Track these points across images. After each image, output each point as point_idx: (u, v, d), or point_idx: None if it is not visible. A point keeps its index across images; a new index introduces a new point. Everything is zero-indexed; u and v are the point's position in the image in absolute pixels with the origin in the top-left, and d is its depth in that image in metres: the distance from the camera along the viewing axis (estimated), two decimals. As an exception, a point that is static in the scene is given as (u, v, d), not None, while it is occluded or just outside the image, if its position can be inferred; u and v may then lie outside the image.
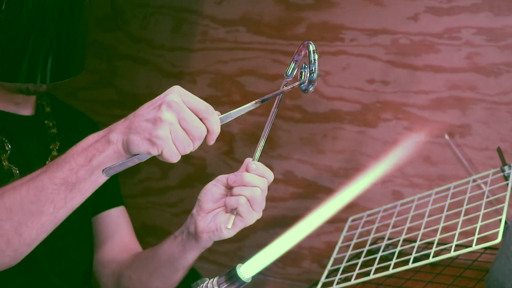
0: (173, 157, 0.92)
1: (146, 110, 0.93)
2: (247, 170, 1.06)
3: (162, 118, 0.90)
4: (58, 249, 1.28)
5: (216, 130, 0.95)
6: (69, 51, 1.20)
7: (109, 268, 1.36)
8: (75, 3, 1.18)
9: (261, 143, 1.06)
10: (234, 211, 1.07)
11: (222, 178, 1.11)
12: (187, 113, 0.92)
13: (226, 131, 1.50)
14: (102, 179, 0.97)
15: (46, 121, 1.33)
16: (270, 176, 1.08)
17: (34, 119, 1.31)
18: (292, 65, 1.09)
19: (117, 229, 1.40)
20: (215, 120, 0.95)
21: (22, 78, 1.15)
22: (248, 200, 1.05)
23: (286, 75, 1.09)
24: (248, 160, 1.07)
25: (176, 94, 0.93)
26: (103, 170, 0.93)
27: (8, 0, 1.11)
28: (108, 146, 0.94)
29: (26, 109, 1.29)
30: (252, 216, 1.07)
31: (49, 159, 1.29)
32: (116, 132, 0.94)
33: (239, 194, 1.05)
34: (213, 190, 1.11)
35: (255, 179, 1.05)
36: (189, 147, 0.93)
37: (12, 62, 1.14)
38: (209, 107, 0.95)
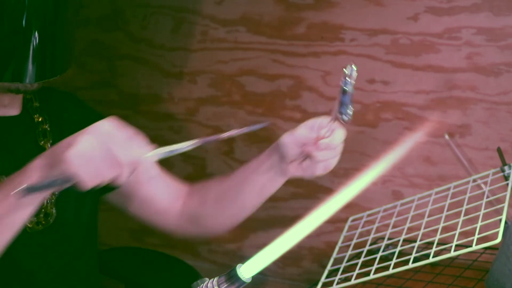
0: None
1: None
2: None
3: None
4: (61, 270, 1.27)
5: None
6: (55, 49, 1.18)
7: (172, 215, 1.38)
8: (58, 1, 1.16)
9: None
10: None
11: (315, 125, 1.17)
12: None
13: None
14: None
15: (35, 117, 1.28)
16: None
17: (22, 117, 1.27)
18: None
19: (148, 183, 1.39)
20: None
21: (8, 77, 1.13)
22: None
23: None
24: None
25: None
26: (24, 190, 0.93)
27: None
28: None
29: (13, 109, 1.25)
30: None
31: None
32: None
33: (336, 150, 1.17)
34: (303, 134, 1.17)
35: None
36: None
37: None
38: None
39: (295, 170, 1.22)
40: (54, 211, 1.23)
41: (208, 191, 1.36)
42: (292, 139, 1.18)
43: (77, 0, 1.22)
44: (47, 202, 1.22)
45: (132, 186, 1.35)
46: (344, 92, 1.07)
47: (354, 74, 1.08)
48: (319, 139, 1.14)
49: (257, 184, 1.28)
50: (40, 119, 1.28)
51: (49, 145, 1.26)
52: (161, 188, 1.40)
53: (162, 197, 1.39)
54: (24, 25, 1.12)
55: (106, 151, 0.93)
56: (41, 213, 1.22)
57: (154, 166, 1.39)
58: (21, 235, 1.10)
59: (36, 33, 1.13)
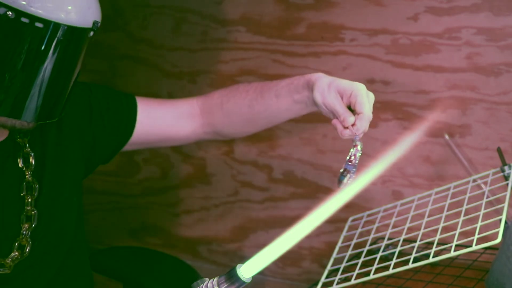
0: None
1: None
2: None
3: None
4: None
5: None
6: (60, 94, 1.16)
7: (188, 134, 1.44)
8: (73, 55, 1.15)
9: None
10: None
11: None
12: None
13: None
14: None
15: (18, 139, 1.24)
16: None
17: (6, 142, 1.23)
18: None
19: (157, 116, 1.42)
20: None
21: (6, 112, 1.11)
22: None
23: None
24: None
25: None
26: None
27: (6, 41, 1.08)
28: None
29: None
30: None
31: (24, 184, 1.22)
32: None
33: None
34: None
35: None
36: None
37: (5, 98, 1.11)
38: None
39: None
40: (29, 241, 1.21)
41: (235, 113, 1.39)
42: (322, 100, 1.24)
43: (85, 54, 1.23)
44: (22, 235, 1.21)
45: (139, 134, 1.39)
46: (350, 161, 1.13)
47: (358, 154, 1.16)
48: (344, 120, 1.19)
49: (289, 112, 1.35)
50: (22, 143, 1.25)
51: (30, 170, 1.24)
52: (168, 120, 1.43)
53: (172, 127, 1.43)
54: (38, 67, 1.11)
55: None
56: (14, 248, 1.20)
57: (149, 104, 1.43)
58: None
59: (48, 76, 1.12)
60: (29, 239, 1.21)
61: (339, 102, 1.20)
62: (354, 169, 1.12)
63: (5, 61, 1.09)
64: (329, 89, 1.21)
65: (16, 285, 1.21)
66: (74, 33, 1.11)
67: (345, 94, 1.20)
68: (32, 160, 1.24)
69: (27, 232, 1.22)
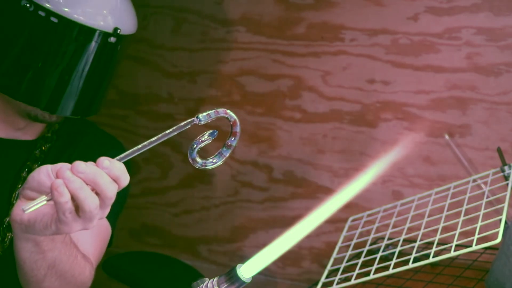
0: None
1: None
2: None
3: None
4: None
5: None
6: (95, 92, 1.21)
7: None
8: (112, 55, 1.21)
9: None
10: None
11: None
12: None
13: (226, 131, 1.50)
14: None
15: (43, 147, 1.28)
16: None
17: (34, 145, 1.27)
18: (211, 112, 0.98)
19: None
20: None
21: (42, 104, 1.17)
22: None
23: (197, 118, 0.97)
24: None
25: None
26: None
27: (49, 34, 1.14)
28: None
29: (27, 135, 1.27)
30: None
31: (19, 186, 1.23)
32: None
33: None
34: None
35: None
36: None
37: (37, 87, 1.15)
38: None
39: None
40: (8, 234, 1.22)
41: None
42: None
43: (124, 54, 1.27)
44: (2, 227, 1.22)
45: None
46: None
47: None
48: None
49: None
50: (44, 148, 1.28)
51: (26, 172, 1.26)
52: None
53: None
54: (74, 66, 1.17)
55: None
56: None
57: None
58: None
59: (81, 72, 1.16)
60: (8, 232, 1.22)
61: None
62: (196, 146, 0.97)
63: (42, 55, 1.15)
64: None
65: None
66: (89, 34, 1.18)
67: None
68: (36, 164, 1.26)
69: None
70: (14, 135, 1.25)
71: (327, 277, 1.36)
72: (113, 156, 0.87)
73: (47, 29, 1.14)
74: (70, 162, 0.81)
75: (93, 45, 1.17)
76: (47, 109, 1.17)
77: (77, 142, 1.34)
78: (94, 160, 0.84)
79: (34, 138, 1.28)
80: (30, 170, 1.25)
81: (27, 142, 1.27)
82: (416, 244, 1.30)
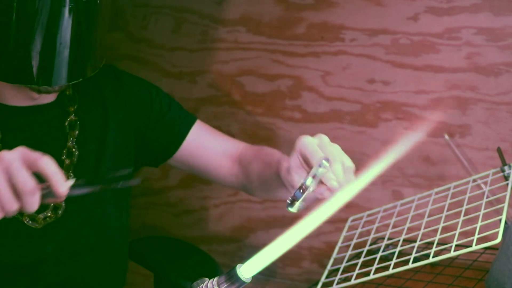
0: None
1: None
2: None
3: None
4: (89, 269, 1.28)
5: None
6: (86, 52, 1.17)
7: (224, 172, 1.40)
8: (89, 10, 1.14)
9: None
10: None
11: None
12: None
13: (226, 131, 1.50)
14: None
15: (67, 107, 1.27)
16: None
17: (54, 106, 1.26)
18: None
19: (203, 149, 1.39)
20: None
21: (35, 80, 1.12)
22: None
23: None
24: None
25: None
26: None
27: (20, 4, 1.09)
28: None
29: (45, 99, 1.24)
30: None
31: (64, 152, 1.24)
32: None
33: None
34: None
35: None
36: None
37: (25, 65, 1.13)
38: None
39: None
40: (63, 204, 1.22)
41: (252, 174, 1.34)
42: (289, 183, 1.14)
43: (112, 7, 1.21)
44: None
45: (184, 152, 1.38)
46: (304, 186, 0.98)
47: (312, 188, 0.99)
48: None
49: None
50: (71, 109, 1.27)
51: (74, 140, 1.26)
52: (213, 151, 1.41)
53: (214, 161, 1.40)
54: (52, 31, 1.11)
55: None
56: (49, 208, 1.22)
57: (204, 129, 1.41)
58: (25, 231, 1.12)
59: (60, 36, 1.12)
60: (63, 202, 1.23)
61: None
62: (301, 194, 0.98)
63: (20, 30, 1.09)
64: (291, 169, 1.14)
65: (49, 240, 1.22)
66: None
67: (303, 157, 1.12)
68: (76, 130, 1.27)
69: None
70: (33, 103, 1.24)
71: (327, 277, 1.36)
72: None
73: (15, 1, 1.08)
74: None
75: (67, 4, 1.10)
76: (43, 83, 1.13)
77: (102, 87, 1.33)
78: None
79: (51, 101, 1.26)
80: (73, 124, 1.26)
81: (50, 104, 1.25)
82: (416, 244, 1.30)
